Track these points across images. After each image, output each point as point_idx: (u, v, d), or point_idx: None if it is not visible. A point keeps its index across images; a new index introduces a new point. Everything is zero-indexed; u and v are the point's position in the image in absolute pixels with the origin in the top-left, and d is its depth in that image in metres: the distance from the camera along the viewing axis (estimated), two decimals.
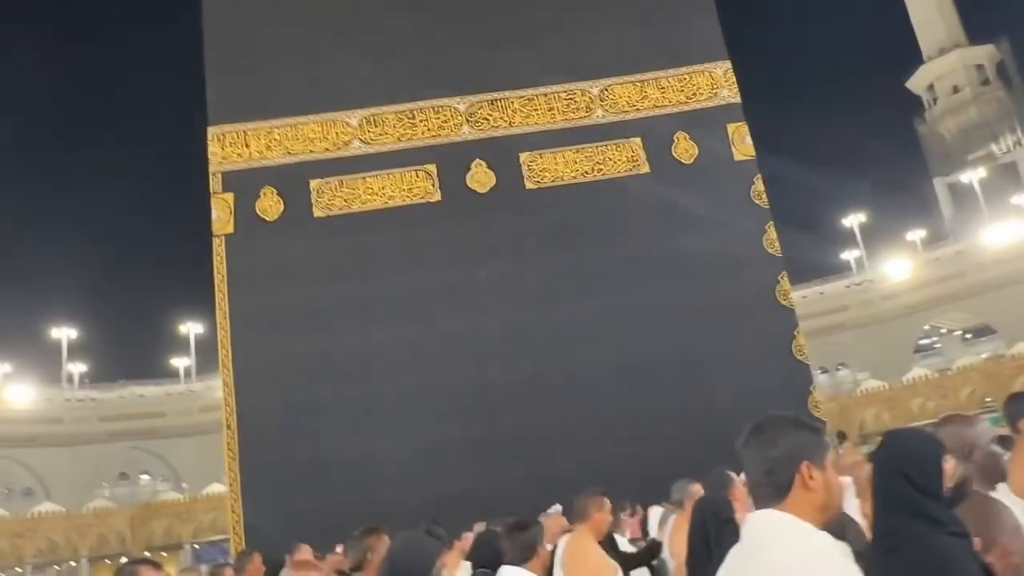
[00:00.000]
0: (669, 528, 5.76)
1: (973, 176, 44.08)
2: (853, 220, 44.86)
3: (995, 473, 2.99)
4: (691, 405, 12.59)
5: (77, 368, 43.77)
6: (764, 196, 14.04)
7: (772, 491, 1.95)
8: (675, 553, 5.41)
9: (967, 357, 39.01)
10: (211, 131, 13.87)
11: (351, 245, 13.48)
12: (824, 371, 43.02)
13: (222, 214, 13.40)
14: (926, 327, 42.53)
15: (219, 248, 13.32)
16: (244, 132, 13.97)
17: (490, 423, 12.46)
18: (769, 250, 13.81)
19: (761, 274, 13.66)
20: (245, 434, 12.48)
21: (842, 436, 12.57)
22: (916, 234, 43.63)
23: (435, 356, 12.98)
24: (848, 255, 45.54)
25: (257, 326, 12.95)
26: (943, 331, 43.91)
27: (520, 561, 3.90)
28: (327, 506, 11.24)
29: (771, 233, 13.86)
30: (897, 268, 41.07)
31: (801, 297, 41.27)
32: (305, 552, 7.64)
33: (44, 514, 36.63)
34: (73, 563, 37.47)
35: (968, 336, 43.85)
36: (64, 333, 43.02)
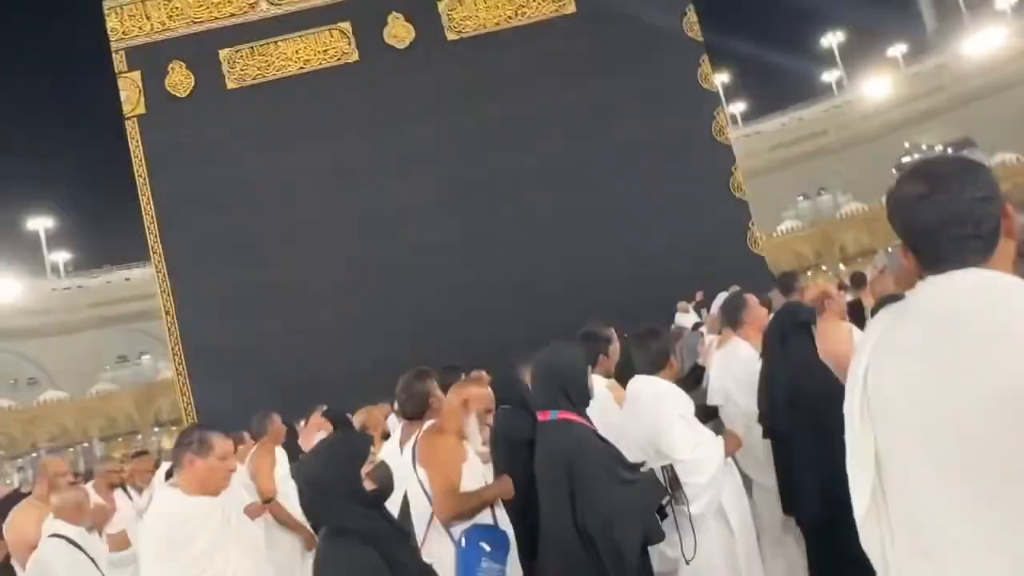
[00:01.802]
0: (712, 350, 5.64)
1: None
2: (832, 39, 43.29)
3: None
4: (632, 248, 12.48)
5: (60, 257, 43.77)
6: (697, 28, 13.32)
7: (982, 243, 1.42)
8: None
9: None
10: (107, 4, 13.04)
11: (270, 115, 12.95)
12: (805, 197, 42.75)
13: (131, 94, 12.82)
14: (906, 144, 41.88)
15: (133, 130, 12.84)
16: (143, 2, 13.13)
17: (427, 285, 12.40)
18: (704, 85, 13.25)
19: (697, 111, 13.18)
20: (184, 317, 12.46)
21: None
22: (897, 49, 42.12)
23: (367, 222, 12.74)
24: (829, 76, 44.25)
25: (182, 207, 12.67)
26: (923, 147, 43.26)
27: (652, 370, 3.80)
28: (274, 383, 11.33)
29: (705, 67, 13.26)
30: (876, 86, 39.91)
31: (780, 124, 40.48)
32: (316, 417, 7.53)
33: (51, 401, 37.65)
34: (85, 444, 38.91)
35: (948, 150, 43.23)
36: (41, 224, 42.73)
